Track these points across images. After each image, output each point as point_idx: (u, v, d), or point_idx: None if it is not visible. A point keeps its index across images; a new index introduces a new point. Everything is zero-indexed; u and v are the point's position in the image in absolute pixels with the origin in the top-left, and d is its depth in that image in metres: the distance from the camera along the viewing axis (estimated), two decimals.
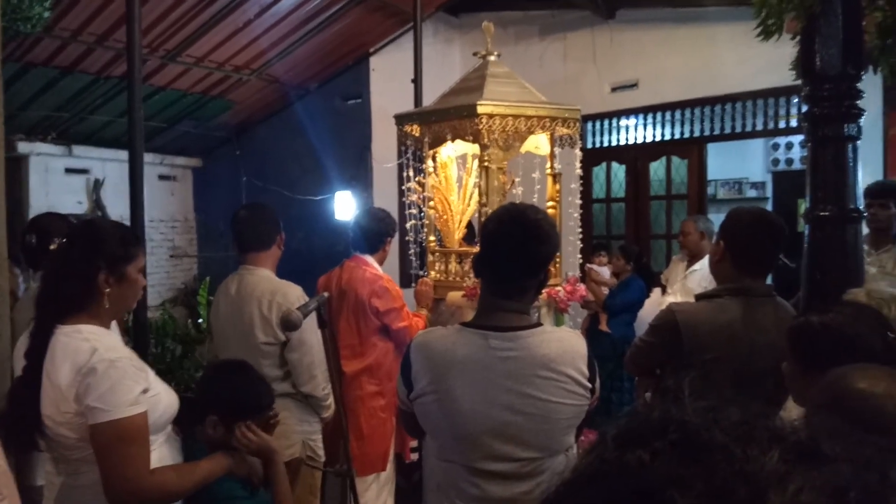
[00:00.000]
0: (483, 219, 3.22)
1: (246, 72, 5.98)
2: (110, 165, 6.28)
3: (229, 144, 7.02)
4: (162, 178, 7.06)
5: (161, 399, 1.81)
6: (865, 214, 3.46)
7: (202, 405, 1.97)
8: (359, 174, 6.29)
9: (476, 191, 3.51)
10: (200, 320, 6.02)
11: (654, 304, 4.77)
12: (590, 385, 1.67)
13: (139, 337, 3.02)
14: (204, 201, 7.36)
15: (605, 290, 5.24)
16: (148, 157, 5.96)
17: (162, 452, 1.82)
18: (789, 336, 1.64)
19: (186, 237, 7.35)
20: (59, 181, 6.05)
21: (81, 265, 1.76)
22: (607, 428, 0.51)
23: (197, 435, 1.98)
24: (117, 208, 6.18)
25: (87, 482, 1.72)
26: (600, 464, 0.49)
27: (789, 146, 7.70)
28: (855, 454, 0.46)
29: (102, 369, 1.65)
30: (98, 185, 6.25)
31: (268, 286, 2.79)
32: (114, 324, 2.11)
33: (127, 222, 2.94)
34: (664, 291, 4.94)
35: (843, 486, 0.43)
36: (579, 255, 3.71)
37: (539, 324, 1.73)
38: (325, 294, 2.32)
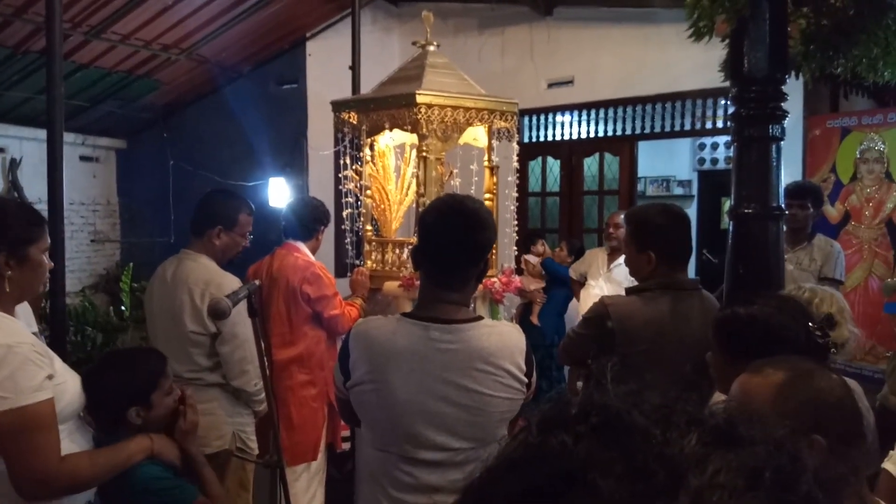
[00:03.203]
0: (421, 209, 3.21)
1: (175, 51, 5.77)
2: (28, 145, 5.96)
3: (156, 126, 6.76)
4: (84, 158, 6.75)
5: (67, 387, 1.74)
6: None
7: (119, 404, 1.89)
8: (294, 161, 6.18)
9: (414, 181, 3.50)
10: (123, 308, 5.81)
11: (588, 299, 4.89)
12: (526, 380, 1.69)
13: (56, 324, 2.88)
14: (128, 184, 7.08)
15: (536, 285, 5.33)
16: (69, 137, 5.69)
17: (70, 443, 1.74)
18: (716, 327, 1.70)
19: (109, 221, 7.06)
20: None
21: None
22: (532, 414, 0.52)
23: (120, 433, 1.89)
24: (35, 189, 5.86)
25: None
26: (524, 449, 0.49)
27: (715, 146, 8.00)
28: (769, 437, 0.48)
29: (0, 355, 1.57)
30: (14, 164, 5.92)
31: (203, 274, 2.71)
32: (23, 310, 2.01)
33: (45, 204, 2.79)
34: (575, 285, 5.05)
35: (759, 466, 0.45)
36: (514, 248, 3.76)
37: (479, 317, 1.73)
38: (256, 282, 2.27)
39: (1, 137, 5.89)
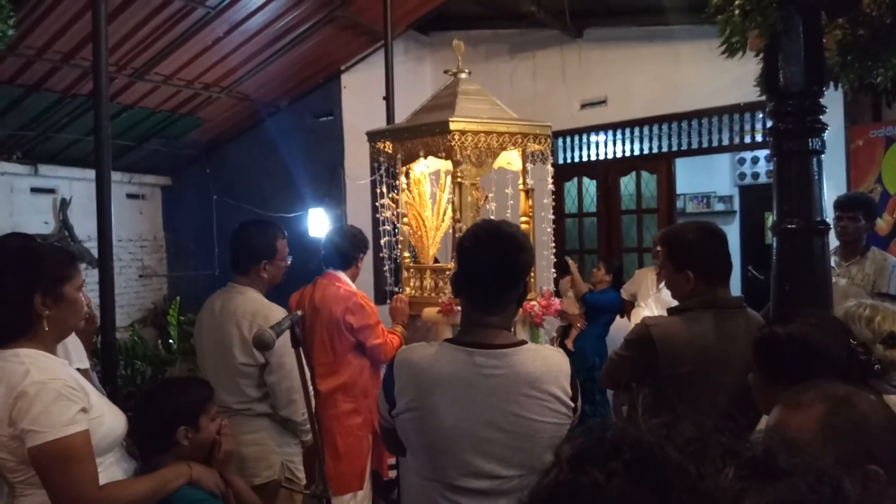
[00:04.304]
0: (458, 235, 3.23)
1: (215, 89, 5.94)
2: (77, 184, 6.17)
3: (199, 162, 6.95)
4: (130, 196, 6.96)
5: (104, 420, 1.79)
6: (835, 227, 3.56)
7: (170, 423, 1.96)
8: (332, 191, 6.27)
9: (450, 206, 3.52)
10: (171, 341, 5.92)
11: (639, 320, 4.80)
12: (572, 404, 1.68)
13: (107, 358, 2.96)
14: (173, 220, 7.27)
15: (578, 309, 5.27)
16: (116, 176, 5.86)
17: (114, 473, 1.80)
18: (755, 347, 1.66)
19: (156, 256, 7.24)
20: (24, 201, 5.93)
21: (15, 290, 1.73)
22: (562, 448, 0.51)
23: (166, 462, 1.95)
24: (85, 228, 6.07)
25: None
26: (556, 486, 0.48)
27: (755, 160, 7.86)
28: (809, 468, 0.47)
29: (34, 392, 1.63)
30: (65, 204, 6.14)
31: (250, 307, 2.76)
32: (74, 346, 2.07)
33: (95, 241, 2.89)
34: (626, 305, 4.98)
35: (798, 500, 0.43)
36: (553, 270, 3.74)
37: (523, 341, 1.73)
38: (299, 312, 2.30)
39: (51, 178, 6.12)
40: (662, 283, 4.53)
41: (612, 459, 0.47)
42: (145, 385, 5.18)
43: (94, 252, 2.88)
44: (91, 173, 3.02)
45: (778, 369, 1.56)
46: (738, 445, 0.47)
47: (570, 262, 5.27)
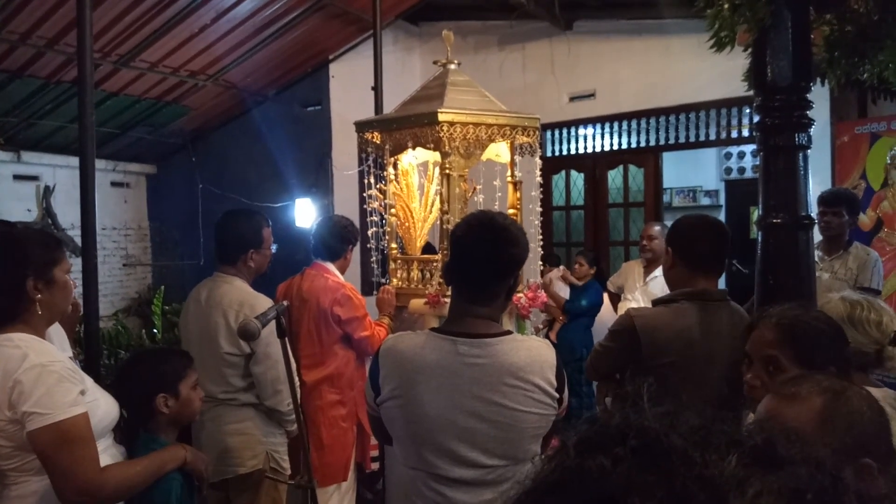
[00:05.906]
0: (445, 226, 3.22)
1: (202, 77, 5.88)
2: (61, 172, 6.11)
3: (185, 151, 6.89)
4: (115, 184, 6.89)
5: (99, 405, 1.81)
6: (819, 222, 3.60)
7: (149, 392, 2.03)
8: (319, 181, 6.24)
9: (437, 198, 3.51)
10: (155, 330, 5.89)
11: (614, 311, 4.83)
12: (557, 395, 1.67)
13: (90, 347, 2.92)
14: (158, 209, 7.22)
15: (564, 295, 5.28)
16: (100, 164, 5.81)
17: (107, 459, 1.80)
18: (790, 334, 1.57)
19: (140, 245, 7.18)
20: (7, 188, 5.86)
21: (8, 276, 1.74)
22: (567, 434, 0.52)
23: (151, 429, 2.05)
24: (68, 216, 6.01)
25: (22, 493, 1.69)
26: (561, 471, 0.49)
27: (741, 155, 7.92)
28: (808, 457, 0.48)
29: (35, 375, 1.64)
30: (48, 192, 6.07)
31: (237, 296, 2.74)
32: (57, 334, 2.06)
33: (78, 230, 2.86)
34: (613, 298, 5.02)
35: (801, 488, 0.44)
36: (540, 263, 3.74)
37: (508, 331, 1.73)
38: (285, 302, 2.29)
39: (35, 165, 6.05)
40: (649, 276, 4.57)
41: (618, 445, 0.47)
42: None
43: (78, 240, 2.85)
44: (75, 161, 2.98)
45: (812, 356, 1.52)
46: (740, 434, 0.49)
47: (564, 268, 5.34)
